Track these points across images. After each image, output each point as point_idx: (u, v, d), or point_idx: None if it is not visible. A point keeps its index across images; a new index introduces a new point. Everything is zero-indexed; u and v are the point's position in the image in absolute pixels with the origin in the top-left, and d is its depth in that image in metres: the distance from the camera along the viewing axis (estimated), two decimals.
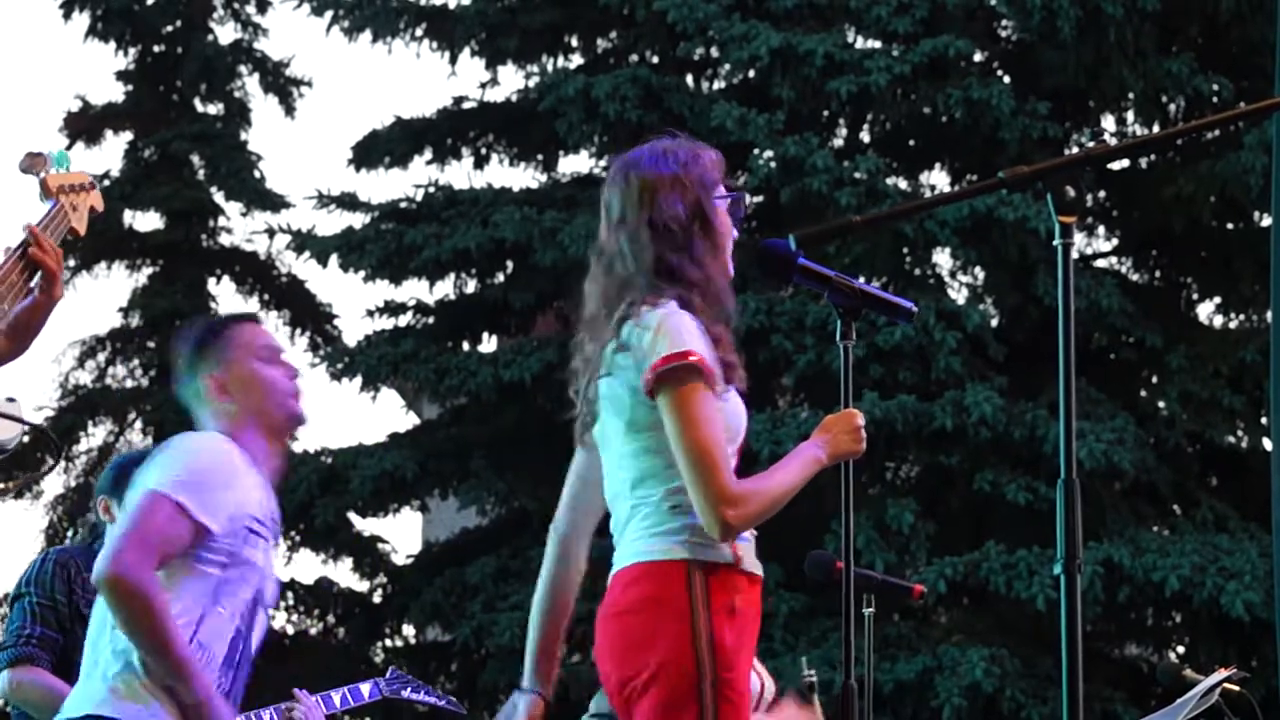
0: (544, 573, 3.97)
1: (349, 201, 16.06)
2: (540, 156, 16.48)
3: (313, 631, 17.46)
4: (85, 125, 18.89)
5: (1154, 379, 15.04)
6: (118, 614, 3.89)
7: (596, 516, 3.96)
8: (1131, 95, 14.64)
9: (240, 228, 18.85)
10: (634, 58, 15.76)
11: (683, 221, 3.75)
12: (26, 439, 4.00)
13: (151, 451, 4.17)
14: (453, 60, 16.53)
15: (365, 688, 6.21)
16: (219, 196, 18.67)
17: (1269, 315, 12.54)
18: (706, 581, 3.59)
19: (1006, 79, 14.75)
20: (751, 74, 14.73)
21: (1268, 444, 13.93)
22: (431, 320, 16.11)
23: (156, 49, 18.99)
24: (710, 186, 3.82)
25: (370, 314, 16.11)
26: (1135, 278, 15.87)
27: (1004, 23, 15.23)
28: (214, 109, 19.07)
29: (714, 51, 15.35)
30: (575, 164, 16.77)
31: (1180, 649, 14.50)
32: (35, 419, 18.73)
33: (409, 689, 6.08)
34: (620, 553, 3.72)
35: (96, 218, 4.42)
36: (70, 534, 5.53)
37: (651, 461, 3.66)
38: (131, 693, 3.90)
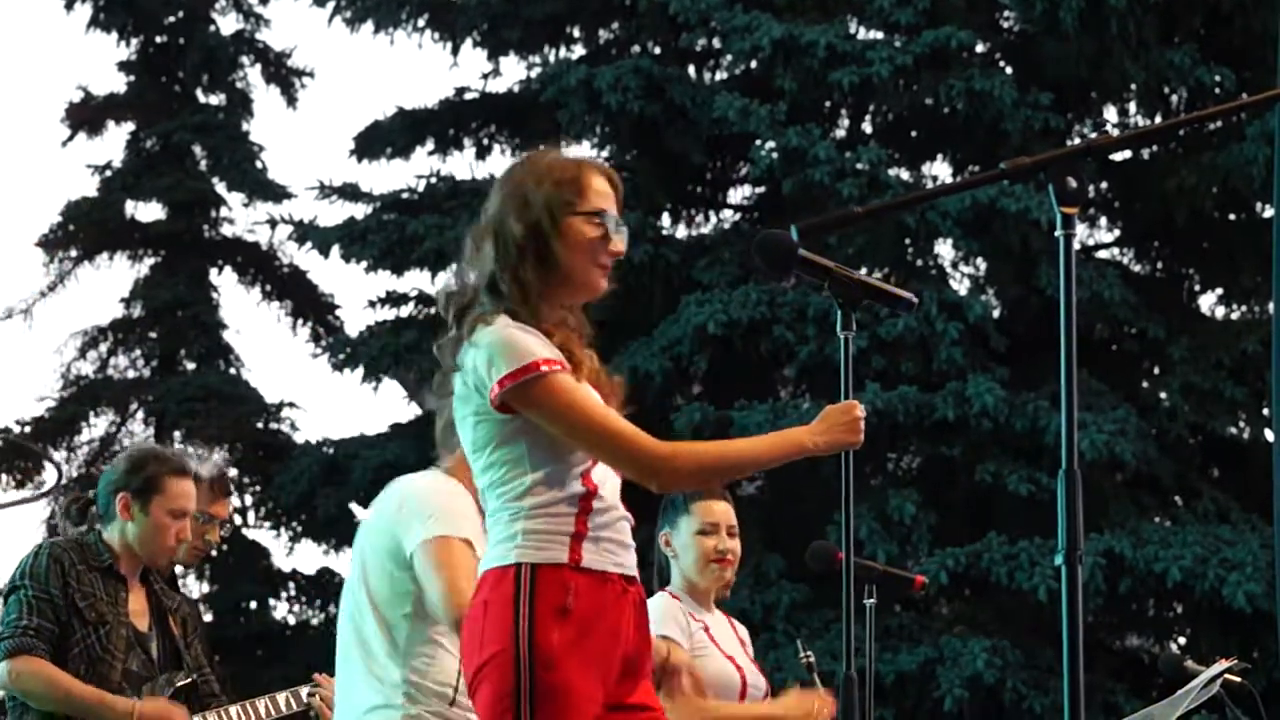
0: None
1: (351, 192, 16.06)
2: (542, 147, 16.34)
3: (315, 622, 17.47)
4: (87, 116, 18.89)
5: (1156, 370, 15.04)
6: None
7: None
8: (1133, 86, 14.63)
9: (242, 218, 18.82)
10: (636, 49, 15.74)
11: (517, 242, 3.77)
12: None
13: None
14: (455, 51, 16.53)
15: None
16: (221, 187, 18.67)
17: (1271, 306, 12.54)
18: (534, 583, 3.57)
19: (1009, 70, 14.74)
20: (753, 65, 14.72)
21: (1269, 435, 13.93)
22: (433, 311, 16.06)
23: (158, 40, 18.98)
24: (558, 206, 3.80)
25: (372, 304, 16.13)
26: (1137, 269, 15.86)
27: (1006, 14, 15.21)
28: (216, 99, 19.07)
29: (716, 42, 15.35)
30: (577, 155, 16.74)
31: (1181, 640, 14.51)
32: (36, 411, 18.62)
33: None
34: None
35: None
36: (62, 515, 5.49)
37: (491, 477, 3.65)
38: None
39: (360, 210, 15.94)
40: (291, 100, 19.11)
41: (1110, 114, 15.51)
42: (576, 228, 3.78)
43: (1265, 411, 14.41)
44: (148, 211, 18.77)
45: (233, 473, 16.50)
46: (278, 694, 5.50)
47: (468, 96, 16.63)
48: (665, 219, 15.72)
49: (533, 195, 3.82)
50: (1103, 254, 15.78)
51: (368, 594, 4.32)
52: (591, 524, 3.64)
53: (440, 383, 3.79)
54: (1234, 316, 15.73)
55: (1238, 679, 5.86)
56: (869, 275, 4.04)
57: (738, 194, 16.55)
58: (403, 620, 4.26)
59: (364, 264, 15.48)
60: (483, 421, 3.64)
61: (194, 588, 17.28)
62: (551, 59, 16.27)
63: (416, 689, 4.24)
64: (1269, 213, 13.59)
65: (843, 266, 3.91)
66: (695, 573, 5.26)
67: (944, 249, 14.93)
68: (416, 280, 16.05)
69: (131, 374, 18.85)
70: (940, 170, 15.73)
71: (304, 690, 5.52)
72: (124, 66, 18.92)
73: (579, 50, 16.47)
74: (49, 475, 18.38)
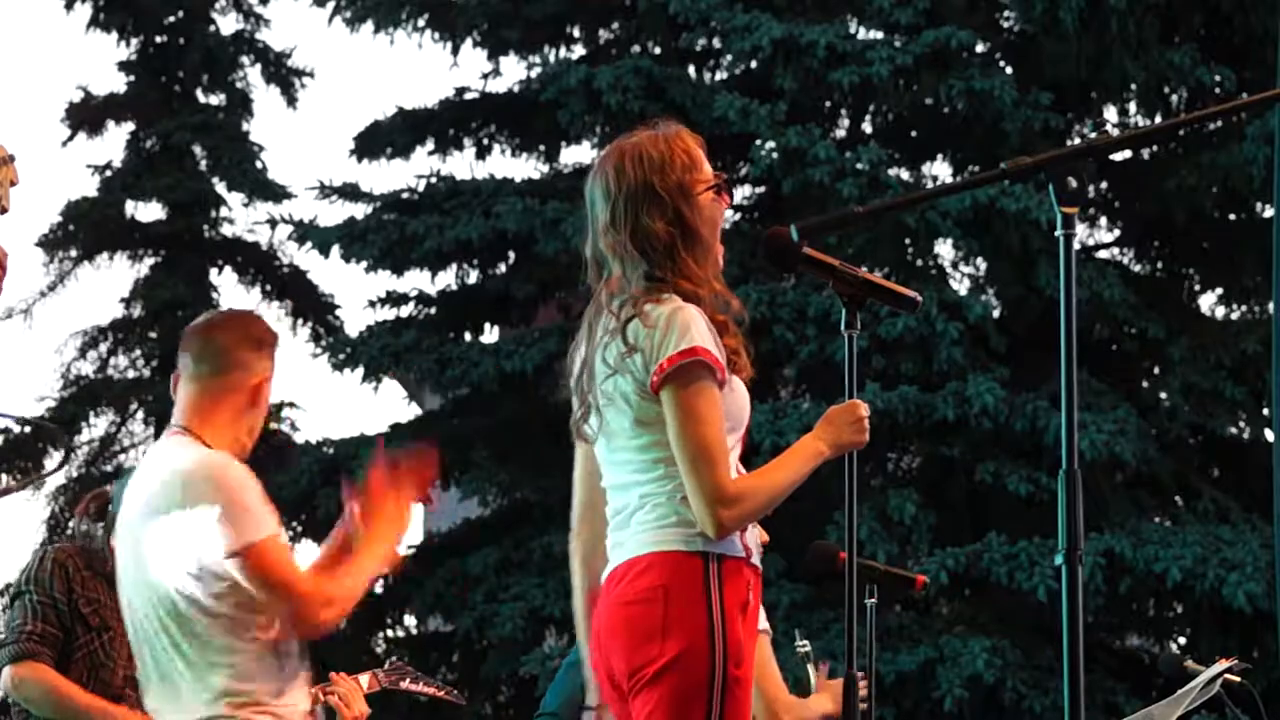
0: (580, 589, 3.95)
1: (351, 192, 16.06)
2: (542, 147, 16.48)
3: None
4: (87, 116, 18.90)
5: (1156, 370, 15.04)
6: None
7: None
8: (1134, 86, 14.63)
9: (242, 218, 18.84)
10: (636, 48, 15.75)
11: (664, 239, 3.74)
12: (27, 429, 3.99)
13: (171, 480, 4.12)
14: (455, 51, 16.53)
15: (364, 678, 6.24)
16: (221, 187, 18.68)
17: (1271, 306, 12.54)
18: (721, 575, 3.59)
19: (1009, 70, 14.75)
20: (753, 65, 14.72)
21: (1269, 435, 13.93)
22: (433, 311, 16.11)
23: (158, 39, 18.99)
24: (689, 189, 3.77)
25: (372, 304, 16.13)
26: (1137, 269, 15.87)
27: (1006, 13, 15.22)
28: (216, 99, 19.07)
29: (716, 42, 15.35)
30: (577, 155, 16.76)
31: (1181, 640, 14.51)
32: (36, 410, 18.64)
33: (407, 679, 6.09)
34: (626, 543, 3.70)
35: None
36: (80, 512, 5.46)
37: (661, 454, 3.65)
38: None
39: (360, 210, 15.95)
40: (291, 100, 19.11)
41: (1110, 114, 15.53)
42: (707, 202, 3.81)
43: (1265, 411, 14.42)
44: (148, 211, 18.79)
45: None
46: None
47: (468, 96, 16.63)
48: None
49: (660, 186, 3.76)
50: (1103, 254, 15.78)
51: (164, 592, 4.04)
52: None
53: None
54: (1234, 316, 15.73)
55: (1238, 679, 5.85)
56: (870, 273, 4.03)
57: (738, 194, 16.56)
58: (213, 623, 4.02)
59: (364, 264, 15.49)
60: (646, 401, 3.66)
61: None
62: (551, 59, 16.28)
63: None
64: (1269, 213, 13.59)
65: (847, 264, 3.91)
66: None
67: (944, 249, 14.94)
68: (416, 280, 16.07)
69: (131, 374, 18.86)
70: (940, 170, 15.75)
71: (318, 690, 5.52)
72: (124, 66, 18.92)
73: (579, 50, 16.48)
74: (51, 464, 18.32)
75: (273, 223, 17.82)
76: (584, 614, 3.90)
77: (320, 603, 3.98)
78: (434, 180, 15.86)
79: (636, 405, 3.66)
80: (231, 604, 3.98)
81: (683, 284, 3.72)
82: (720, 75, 15.81)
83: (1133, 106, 15.21)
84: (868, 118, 15.35)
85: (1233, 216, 15.12)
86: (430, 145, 16.55)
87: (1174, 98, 14.81)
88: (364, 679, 5.86)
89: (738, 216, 16.29)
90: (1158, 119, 14.82)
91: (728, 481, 3.60)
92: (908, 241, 14.26)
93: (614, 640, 3.65)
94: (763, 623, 5.05)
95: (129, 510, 4.13)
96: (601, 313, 3.77)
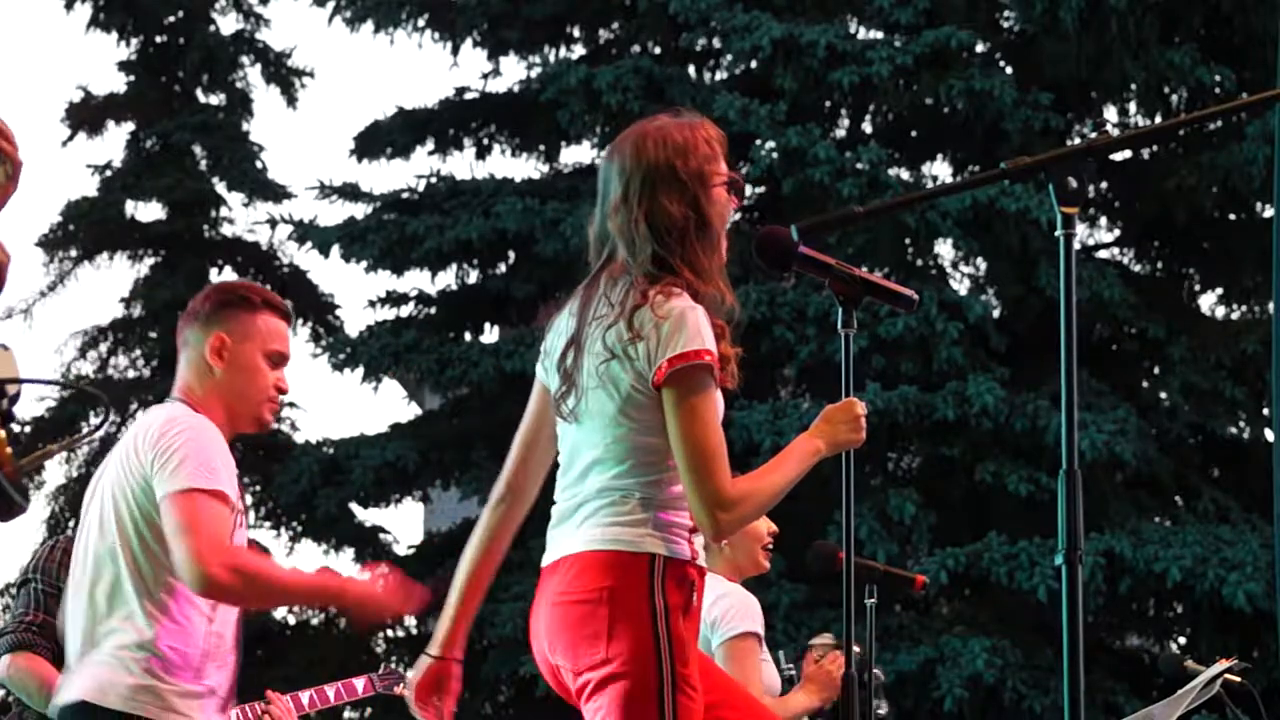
0: (481, 539, 3.98)
1: (351, 192, 16.07)
2: (542, 147, 16.48)
3: (314, 622, 17.47)
4: (87, 116, 18.89)
5: (1156, 370, 15.05)
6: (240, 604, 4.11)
7: (539, 484, 3.98)
8: (1134, 86, 14.63)
9: (242, 218, 18.84)
10: (636, 48, 15.75)
11: (679, 222, 3.70)
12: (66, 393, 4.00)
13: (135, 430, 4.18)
14: (455, 51, 16.54)
15: (359, 682, 6.27)
16: (221, 187, 18.68)
17: (1271, 306, 12.54)
18: (666, 577, 3.57)
19: (1009, 70, 14.75)
20: (753, 65, 14.73)
21: (1269, 435, 13.93)
22: (433, 311, 16.12)
23: (158, 39, 18.98)
24: (707, 179, 3.75)
25: (372, 304, 16.13)
26: (1137, 269, 15.87)
27: (1006, 13, 15.22)
28: (216, 99, 19.07)
29: (716, 42, 15.35)
30: (577, 154, 16.78)
31: (1181, 640, 14.51)
32: (36, 411, 18.62)
33: (401, 685, 6.09)
34: (574, 534, 3.68)
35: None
36: (73, 525, 5.49)
37: (635, 449, 3.63)
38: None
39: (360, 210, 15.95)
40: (291, 100, 19.11)
41: (1110, 114, 15.53)
42: (722, 197, 3.80)
43: (1265, 411, 14.42)
44: (148, 211, 18.78)
45: None
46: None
47: (468, 96, 16.63)
48: None
49: (682, 169, 3.73)
50: (1103, 254, 15.79)
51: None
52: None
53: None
54: (1234, 316, 15.74)
55: (1238, 679, 5.86)
56: (868, 272, 4.03)
57: None
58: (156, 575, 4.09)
59: (364, 264, 15.50)
60: (640, 393, 3.62)
61: None
62: (551, 59, 16.28)
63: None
64: (1269, 213, 13.60)
65: (844, 263, 3.91)
66: (748, 557, 5.28)
67: (944, 249, 14.95)
68: (416, 280, 16.08)
69: (131, 374, 18.85)
70: (940, 170, 15.75)
71: (258, 706, 5.52)
72: (124, 66, 18.92)
73: (579, 50, 16.48)
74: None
75: (273, 223, 17.83)
76: (473, 569, 3.93)
77: (217, 563, 3.93)
78: (434, 180, 15.87)
79: (628, 395, 3.63)
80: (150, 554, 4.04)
81: (688, 274, 3.69)
82: (720, 75, 15.81)
83: (1133, 106, 15.22)
84: (868, 118, 15.36)
85: (1233, 216, 15.12)
86: (430, 145, 16.56)
87: (1174, 98, 14.82)
88: (304, 697, 5.85)
89: (737, 216, 16.29)
90: (1158, 119, 14.82)
91: (728, 485, 3.58)
92: (908, 241, 14.27)
93: (557, 637, 3.63)
94: (750, 627, 5.05)
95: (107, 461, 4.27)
96: (598, 293, 3.72)
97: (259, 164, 18.55)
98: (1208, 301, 16.00)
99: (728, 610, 5.05)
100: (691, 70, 15.71)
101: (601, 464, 3.66)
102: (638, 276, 3.68)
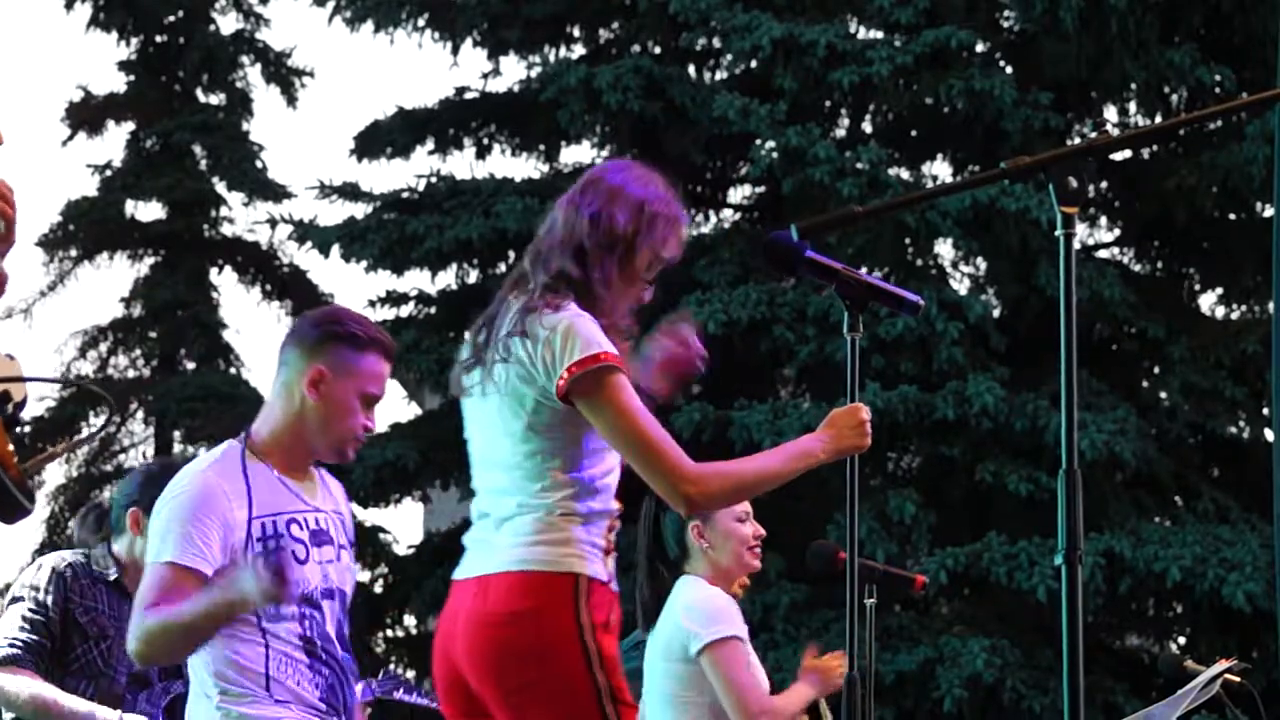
0: None
1: (351, 191, 16.07)
2: (542, 147, 16.48)
3: None
4: (87, 115, 18.91)
5: (1156, 370, 15.05)
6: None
7: None
8: (1134, 86, 14.63)
9: (242, 218, 18.86)
10: (636, 48, 15.75)
11: (621, 234, 3.71)
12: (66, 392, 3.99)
13: (175, 462, 4.19)
14: (455, 50, 16.54)
15: (357, 687, 6.24)
16: (221, 186, 18.69)
17: (1271, 306, 12.54)
18: (590, 595, 3.57)
19: (1009, 69, 14.75)
20: (753, 64, 14.72)
21: (1269, 435, 13.94)
22: (433, 310, 16.12)
23: (158, 39, 19.01)
24: (659, 241, 3.75)
25: (372, 304, 16.13)
26: (1137, 268, 15.88)
27: (1006, 13, 15.22)
28: (216, 99, 19.09)
29: (716, 42, 15.35)
30: (577, 154, 16.75)
31: (1181, 640, 14.51)
32: (36, 411, 18.65)
33: (401, 690, 6.07)
34: (493, 555, 3.66)
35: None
36: (78, 522, 5.40)
37: (546, 464, 3.62)
38: None
39: (360, 210, 15.95)
40: (291, 100, 19.13)
41: (1110, 114, 15.53)
42: (650, 263, 3.76)
43: (1265, 411, 14.42)
44: (148, 211, 18.81)
45: None
46: None
47: (468, 96, 16.64)
48: None
49: (648, 209, 3.75)
50: (1103, 253, 15.79)
51: None
52: (609, 540, 3.67)
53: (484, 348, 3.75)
54: (1234, 316, 15.74)
55: (1238, 679, 5.85)
56: (872, 276, 4.03)
57: (738, 194, 16.58)
58: None
59: (364, 263, 15.49)
60: (544, 406, 3.61)
61: None
62: (551, 59, 16.28)
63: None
64: (1269, 212, 13.59)
65: (849, 268, 3.90)
66: (735, 561, 5.24)
67: (944, 249, 14.95)
68: (416, 280, 16.08)
69: (131, 373, 18.87)
70: (940, 170, 15.75)
71: None
72: (124, 66, 18.94)
73: (579, 50, 16.48)
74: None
75: (273, 222, 17.83)
76: None
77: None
78: (434, 180, 15.86)
79: (532, 408, 3.62)
80: None
81: (597, 289, 3.69)
82: (720, 75, 15.81)
83: (1133, 106, 15.22)
84: (868, 117, 15.35)
85: (1233, 216, 15.12)
86: (430, 145, 16.56)
87: (1174, 98, 14.82)
88: (357, 687, 5.84)
89: (737, 216, 16.30)
90: (1158, 119, 14.82)
91: (683, 461, 3.57)
92: (908, 241, 14.26)
93: (476, 661, 3.62)
94: (731, 631, 5.02)
95: None
96: (516, 289, 3.76)
97: (259, 164, 18.57)
98: (1208, 301, 16.01)
99: (701, 618, 5.01)
100: (691, 70, 15.71)
101: (519, 483, 3.64)
102: (542, 283, 3.71)
